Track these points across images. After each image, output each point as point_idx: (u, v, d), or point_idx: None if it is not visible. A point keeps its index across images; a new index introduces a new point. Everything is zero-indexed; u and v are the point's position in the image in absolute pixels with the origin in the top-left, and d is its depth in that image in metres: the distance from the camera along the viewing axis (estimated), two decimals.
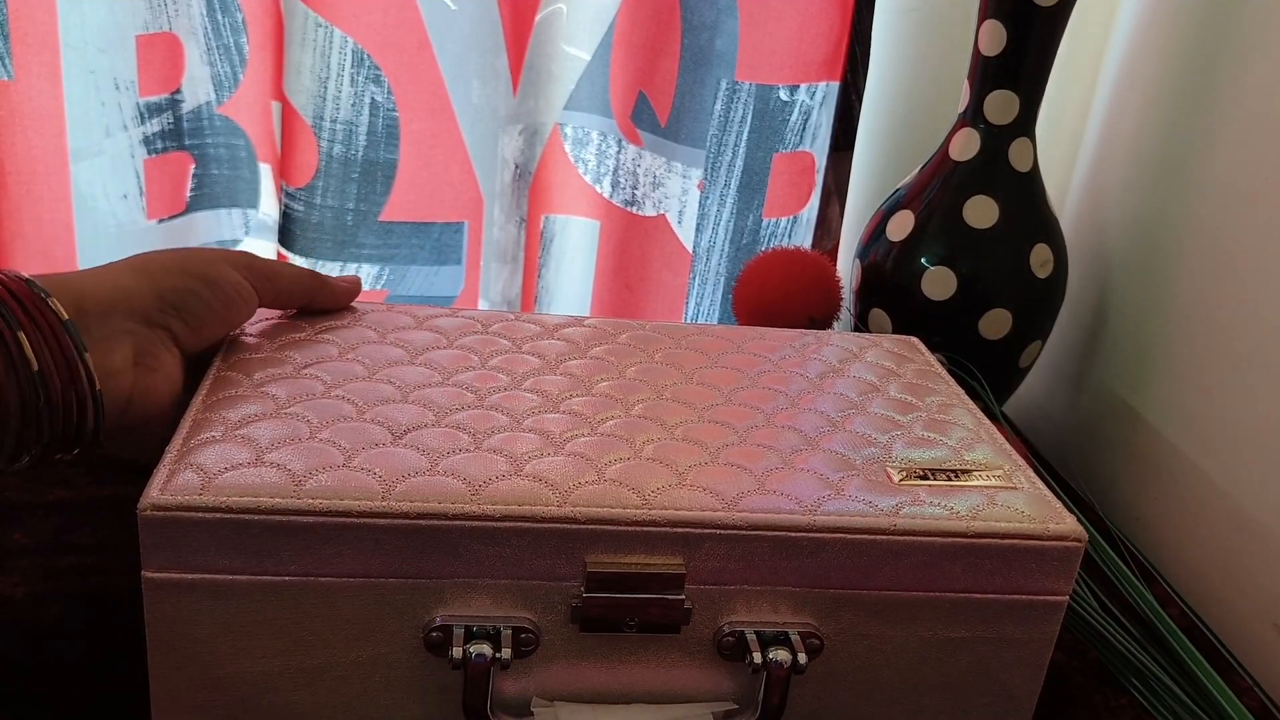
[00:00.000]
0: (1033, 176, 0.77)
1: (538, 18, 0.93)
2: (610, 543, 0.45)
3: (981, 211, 0.76)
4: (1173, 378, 0.75)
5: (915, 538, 0.47)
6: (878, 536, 0.47)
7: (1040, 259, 0.76)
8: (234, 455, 0.46)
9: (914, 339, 0.66)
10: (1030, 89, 0.74)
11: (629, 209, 1.02)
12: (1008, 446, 0.55)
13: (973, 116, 0.76)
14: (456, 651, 0.45)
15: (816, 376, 0.60)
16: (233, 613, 0.44)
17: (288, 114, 0.91)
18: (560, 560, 0.45)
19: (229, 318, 0.51)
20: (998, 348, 0.77)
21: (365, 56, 0.90)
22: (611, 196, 1.01)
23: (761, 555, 0.46)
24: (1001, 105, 0.75)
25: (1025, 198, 0.76)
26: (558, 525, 0.45)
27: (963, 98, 0.77)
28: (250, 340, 0.56)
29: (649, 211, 1.01)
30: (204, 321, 0.50)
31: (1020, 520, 0.48)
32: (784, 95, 0.97)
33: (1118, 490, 0.80)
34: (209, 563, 0.43)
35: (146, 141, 0.91)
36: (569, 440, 0.50)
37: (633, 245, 1.03)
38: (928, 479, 0.50)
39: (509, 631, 0.46)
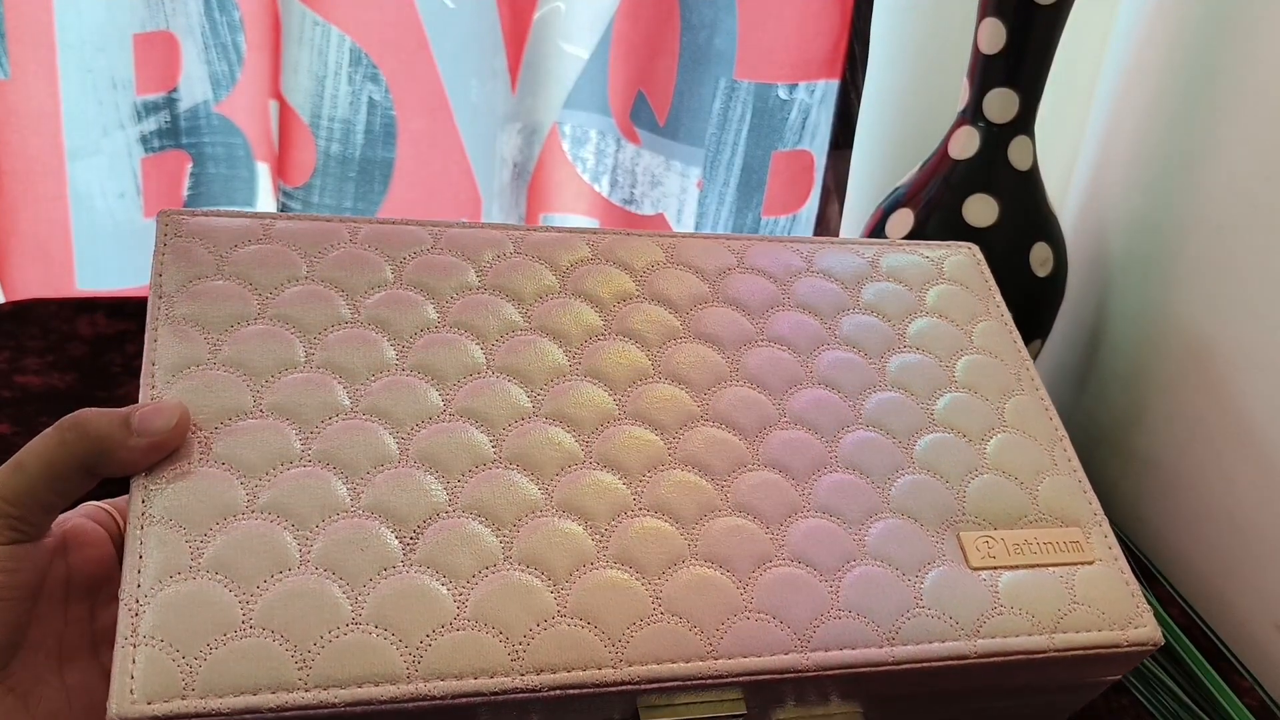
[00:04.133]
0: (1032, 175, 0.76)
1: (536, 16, 0.93)
2: (669, 691, 0.40)
3: (981, 210, 0.76)
4: (1172, 377, 0.74)
5: (991, 659, 0.44)
6: (957, 663, 0.43)
7: (1040, 258, 0.76)
8: (210, 613, 0.37)
9: (975, 254, 0.60)
10: (1030, 87, 0.74)
11: (627, 208, 1.01)
12: (1077, 470, 0.51)
13: (972, 115, 0.76)
14: None
15: (878, 355, 0.52)
16: None
17: (285, 113, 0.91)
18: (611, 711, 0.40)
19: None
20: None
21: (363, 55, 0.89)
22: (610, 195, 1.01)
23: (829, 688, 0.43)
24: (1001, 103, 0.75)
25: (1025, 196, 0.76)
26: (614, 689, 0.39)
27: (962, 96, 0.77)
28: (175, 344, 0.43)
29: (647, 210, 1.01)
30: None
31: (1101, 626, 0.45)
32: (783, 94, 0.97)
33: (1118, 490, 0.79)
34: None
35: (144, 140, 0.91)
36: (609, 531, 0.42)
37: None
38: (1001, 555, 0.46)
39: None
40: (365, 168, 0.93)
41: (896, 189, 0.81)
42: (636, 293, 0.51)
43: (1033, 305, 0.77)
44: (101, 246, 0.92)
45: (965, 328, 0.55)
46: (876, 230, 0.80)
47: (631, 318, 0.50)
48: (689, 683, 0.40)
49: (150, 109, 0.90)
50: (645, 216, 1.01)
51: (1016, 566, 0.46)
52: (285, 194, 0.93)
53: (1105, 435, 0.82)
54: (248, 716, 0.35)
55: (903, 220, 0.78)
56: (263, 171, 0.97)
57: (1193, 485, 0.72)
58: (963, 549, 0.46)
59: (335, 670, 0.36)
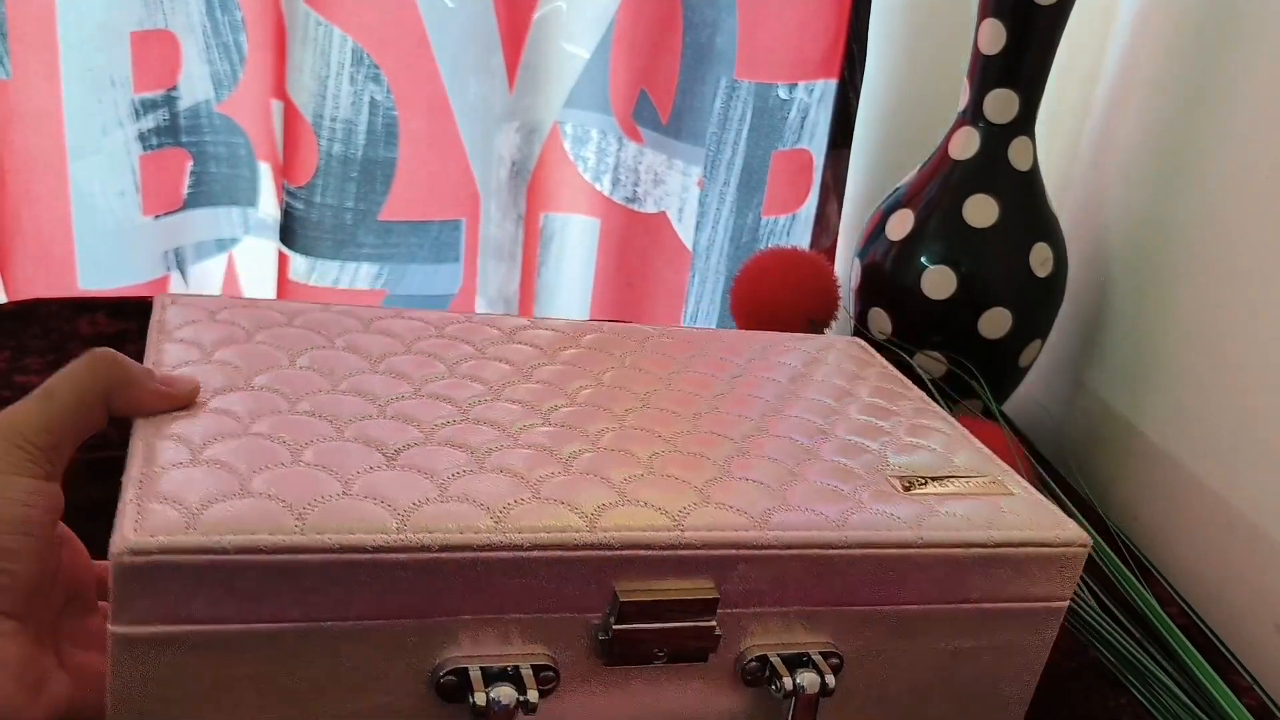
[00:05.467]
0: (1032, 175, 0.77)
1: (536, 15, 0.93)
2: (641, 568, 0.42)
3: (981, 210, 0.76)
4: (1172, 377, 0.75)
5: (941, 549, 0.46)
6: (907, 550, 0.46)
7: (1040, 258, 0.76)
8: (212, 484, 0.39)
9: (860, 340, 0.66)
10: (1030, 88, 0.74)
11: (629, 206, 1.02)
12: (986, 449, 0.56)
13: (972, 115, 0.76)
14: (479, 697, 0.40)
15: (789, 381, 0.59)
16: (218, 668, 0.38)
17: (289, 113, 0.91)
18: (589, 589, 0.42)
19: (29, 543, 0.38)
20: (997, 347, 0.77)
21: (364, 55, 0.90)
22: (611, 194, 1.01)
23: (793, 575, 0.45)
24: (1001, 104, 0.75)
25: (1025, 197, 0.76)
26: (590, 553, 0.41)
27: (962, 96, 0.77)
28: (176, 348, 0.49)
29: (650, 209, 1.01)
30: (14, 577, 0.37)
31: (1030, 528, 0.49)
32: (783, 93, 0.97)
33: (1117, 489, 0.80)
34: (194, 613, 0.37)
35: (142, 138, 0.91)
36: (574, 457, 0.47)
37: (633, 243, 1.03)
38: (931, 489, 0.50)
39: (529, 670, 0.42)
40: (367, 168, 0.93)
41: (897, 189, 0.81)
42: (565, 351, 0.57)
43: (1033, 305, 0.77)
44: (102, 245, 0.92)
45: (859, 372, 0.62)
46: (877, 230, 0.80)
47: (561, 355, 0.56)
48: (659, 552, 0.42)
49: (148, 106, 0.90)
50: (648, 215, 1.01)
51: (945, 496, 0.50)
52: (289, 194, 0.93)
53: (1104, 435, 0.82)
54: (245, 557, 0.37)
55: (903, 221, 0.78)
56: (265, 171, 0.97)
57: (1192, 485, 0.72)
58: (891, 484, 0.50)
59: (328, 523, 0.39)
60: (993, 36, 0.73)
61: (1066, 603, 0.50)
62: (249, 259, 1.01)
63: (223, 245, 1.00)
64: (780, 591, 0.45)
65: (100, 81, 0.87)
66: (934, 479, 0.51)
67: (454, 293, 1.01)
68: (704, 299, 1.04)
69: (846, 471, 0.50)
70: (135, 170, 0.91)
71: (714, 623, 0.44)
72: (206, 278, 1.00)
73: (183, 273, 0.98)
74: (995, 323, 0.76)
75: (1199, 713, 0.58)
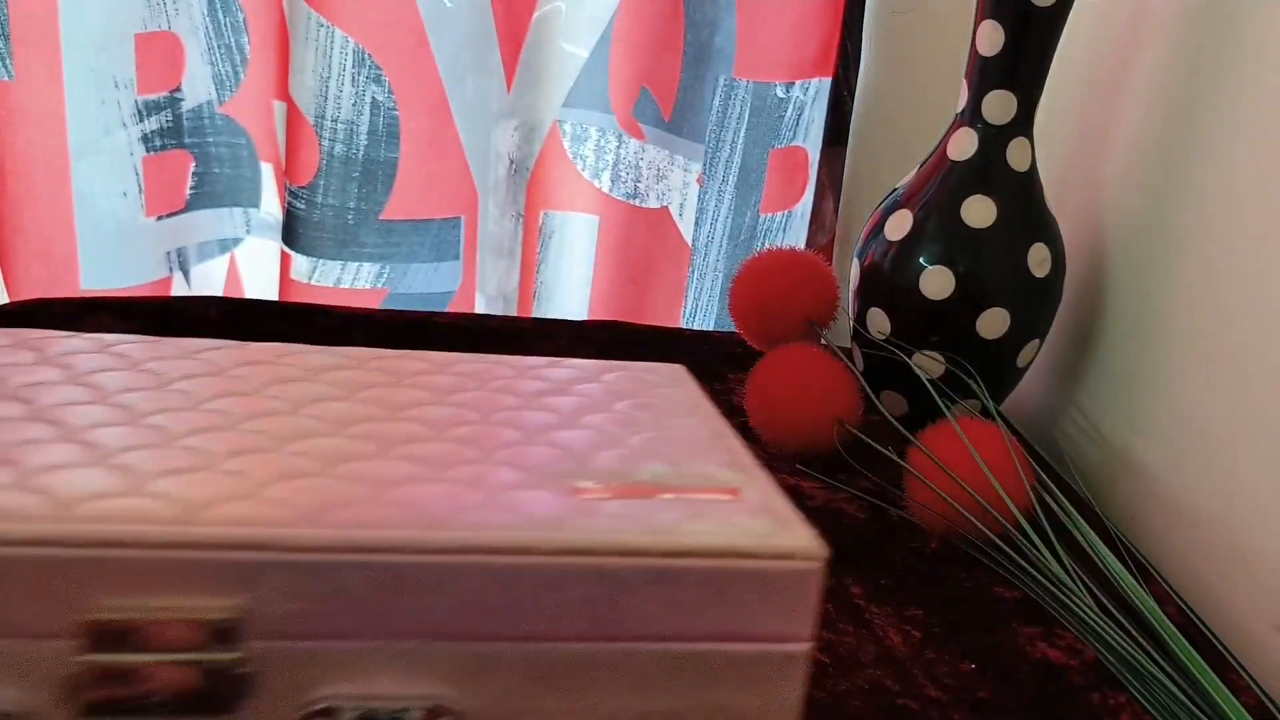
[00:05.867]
0: (1031, 176, 0.77)
1: (535, 15, 0.93)
2: (129, 579, 0.31)
3: (979, 211, 0.76)
4: (1171, 377, 0.75)
5: (580, 558, 0.34)
6: (527, 558, 0.33)
7: (1038, 258, 0.76)
8: None
9: (681, 368, 0.51)
10: (1028, 89, 0.75)
11: (631, 202, 1.02)
12: (763, 473, 0.41)
13: (971, 116, 0.76)
14: None
15: (521, 396, 0.44)
16: None
17: (292, 113, 0.91)
18: (52, 607, 0.31)
19: None
20: (996, 347, 0.77)
21: (366, 56, 0.90)
22: (612, 191, 1.02)
23: (359, 591, 0.33)
24: (1000, 105, 0.75)
25: (1023, 197, 0.77)
26: (49, 551, 0.31)
27: (961, 97, 0.77)
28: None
29: (652, 204, 1.02)
30: None
31: (733, 535, 0.35)
32: (780, 92, 0.97)
33: (1116, 489, 0.80)
34: None
35: (145, 139, 0.91)
36: (118, 453, 0.35)
37: (635, 238, 1.03)
38: (623, 496, 0.37)
39: None
40: (368, 168, 0.94)
41: (895, 190, 0.82)
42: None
43: (1031, 306, 0.77)
44: (104, 245, 0.92)
45: (641, 388, 0.48)
46: (876, 231, 0.81)
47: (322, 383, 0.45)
48: (152, 553, 0.31)
49: (151, 108, 0.90)
50: (650, 209, 1.02)
51: (634, 501, 0.37)
52: (291, 193, 0.94)
53: (1103, 435, 0.82)
54: None
55: (901, 221, 0.79)
56: (267, 172, 0.97)
57: (1191, 485, 0.73)
58: (564, 487, 0.37)
59: None
60: (991, 38, 0.74)
61: (806, 646, 0.36)
62: (251, 259, 1.02)
63: (225, 246, 1.00)
64: (344, 617, 0.33)
65: (103, 83, 0.87)
66: (633, 484, 0.38)
67: (454, 290, 1.02)
68: (703, 295, 1.05)
69: (509, 476, 0.37)
70: (138, 171, 0.91)
71: (237, 655, 0.32)
72: (209, 278, 1.01)
73: (185, 273, 0.98)
74: (993, 323, 0.76)
75: (1197, 712, 0.58)
